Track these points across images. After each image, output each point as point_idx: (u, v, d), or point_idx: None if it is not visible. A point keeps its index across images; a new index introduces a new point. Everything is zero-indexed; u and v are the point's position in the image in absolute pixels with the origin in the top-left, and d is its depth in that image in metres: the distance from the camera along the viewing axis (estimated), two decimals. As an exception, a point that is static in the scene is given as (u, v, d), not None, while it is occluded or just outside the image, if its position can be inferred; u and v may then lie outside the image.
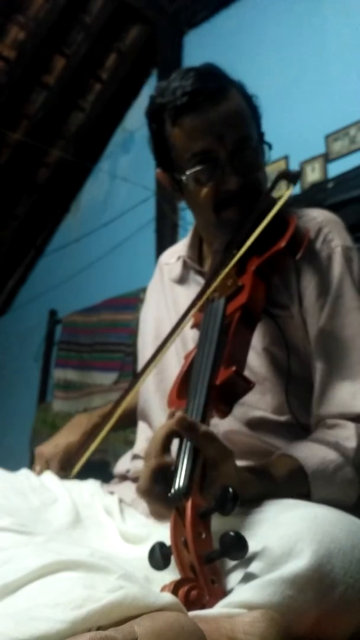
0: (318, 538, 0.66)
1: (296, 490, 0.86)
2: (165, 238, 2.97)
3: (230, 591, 0.66)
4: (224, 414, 0.86)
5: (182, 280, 1.17)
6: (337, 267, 1.01)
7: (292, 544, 0.66)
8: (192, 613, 0.61)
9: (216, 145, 0.98)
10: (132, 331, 2.67)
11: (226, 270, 0.99)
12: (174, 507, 0.72)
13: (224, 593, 0.66)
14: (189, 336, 1.07)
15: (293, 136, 2.42)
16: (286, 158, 2.52)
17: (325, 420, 0.95)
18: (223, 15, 3.03)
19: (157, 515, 0.79)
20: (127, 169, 3.53)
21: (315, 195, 2.03)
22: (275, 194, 1.06)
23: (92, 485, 1.05)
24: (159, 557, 0.70)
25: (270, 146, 1.04)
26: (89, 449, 1.08)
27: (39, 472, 1.09)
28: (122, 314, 2.83)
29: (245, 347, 0.92)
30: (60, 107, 3.54)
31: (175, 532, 0.70)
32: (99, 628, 0.54)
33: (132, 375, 2.56)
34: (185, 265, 1.17)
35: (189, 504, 0.70)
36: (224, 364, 0.86)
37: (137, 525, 0.94)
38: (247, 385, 0.85)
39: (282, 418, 0.97)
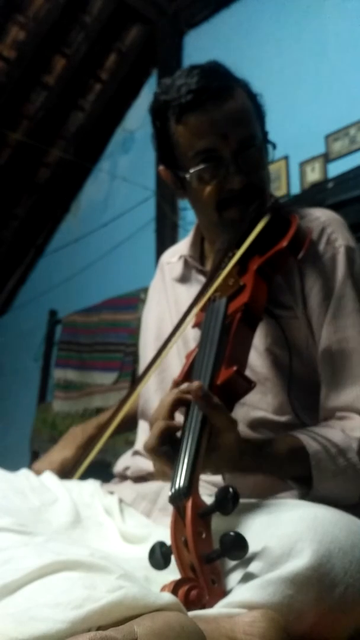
0: (318, 538, 0.66)
1: (296, 469, 0.87)
2: (165, 238, 2.97)
3: (230, 591, 0.66)
4: (225, 413, 0.86)
5: (183, 279, 1.17)
6: (340, 268, 1.01)
7: (292, 543, 0.66)
8: (192, 613, 0.60)
9: (220, 144, 0.98)
10: (132, 331, 2.67)
11: (227, 269, 0.99)
12: (175, 469, 0.74)
13: (224, 593, 0.66)
14: (191, 335, 1.07)
15: (293, 136, 2.42)
16: (286, 158, 2.53)
17: (335, 413, 0.96)
18: (223, 15, 3.03)
19: (161, 474, 0.82)
20: (127, 169, 3.53)
21: (315, 195, 2.02)
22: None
23: (92, 485, 1.05)
24: (159, 556, 0.70)
25: (274, 145, 1.04)
26: (87, 458, 1.08)
27: None
28: (122, 314, 2.83)
29: (247, 347, 0.92)
30: (60, 107, 3.54)
31: (176, 532, 0.70)
32: (99, 628, 0.54)
33: (132, 375, 2.56)
34: (187, 264, 1.17)
35: (189, 504, 0.70)
36: (225, 363, 0.85)
37: (137, 525, 0.94)
38: (248, 385, 0.85)
39: (283, 418, 0.97)
